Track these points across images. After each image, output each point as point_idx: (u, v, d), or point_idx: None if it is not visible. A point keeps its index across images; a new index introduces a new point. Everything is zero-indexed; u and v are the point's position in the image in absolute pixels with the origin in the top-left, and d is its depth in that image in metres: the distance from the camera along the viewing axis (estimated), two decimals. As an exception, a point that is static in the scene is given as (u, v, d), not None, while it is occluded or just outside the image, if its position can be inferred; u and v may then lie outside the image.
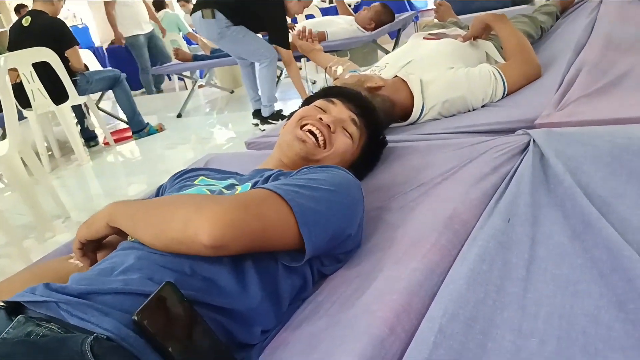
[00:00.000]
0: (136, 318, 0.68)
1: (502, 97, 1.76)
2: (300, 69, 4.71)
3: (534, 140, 1.16)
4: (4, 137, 3.95)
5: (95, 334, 0.65)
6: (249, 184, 1.02)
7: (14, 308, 0.74)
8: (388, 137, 1.51)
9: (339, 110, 1.18)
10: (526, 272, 0.81)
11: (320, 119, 1.13)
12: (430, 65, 1.82)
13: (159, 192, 1.23)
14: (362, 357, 0.67)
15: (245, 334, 0.80)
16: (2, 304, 0.75)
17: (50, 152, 4.42)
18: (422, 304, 0.79)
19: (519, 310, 0.74)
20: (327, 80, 2.37)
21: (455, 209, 0.99)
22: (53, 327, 0.67)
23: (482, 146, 1.23)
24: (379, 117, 1.28)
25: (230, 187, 1.04)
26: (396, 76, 1.78)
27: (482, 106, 1.73)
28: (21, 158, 2.59)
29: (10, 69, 3.30)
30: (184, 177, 1.18)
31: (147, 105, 5.87)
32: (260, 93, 3.84)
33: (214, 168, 1.24)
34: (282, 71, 4.68)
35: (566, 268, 0.81)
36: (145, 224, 0.83)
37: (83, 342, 0.63)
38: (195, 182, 1.10)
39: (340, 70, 2.18)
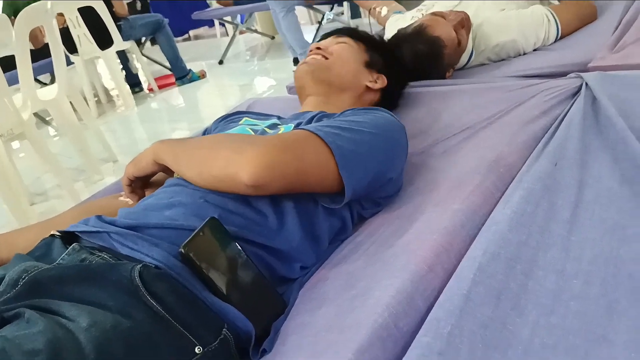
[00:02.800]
0: (183, 250, 0.70)
1: (555, 41, 1.68)
2: (342, 13, 4.61)
3: (586, 84, 1.12)
4: (52, 82, 4.06)
5: (144, 263, 0.68)
6: (292, 125, 1.02)
7: (69, 238, 0.78)
8: (432, 82, 1.49)
9: (331, 41, 1.25)
10: (572, 215, 0.79)
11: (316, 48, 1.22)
12: (480, 6, 1.75)
13: (205, 134, 1.24)
14: (400, 292, 0.68)
15: (286, 269, 0.82)
16: (57, 233, 0.79)
17: (96, 98, 4.52)
18: (463, 244, 0.79)
19: (563, 251, 0.73)
20: (370, 23, 2.31)
21: (501, 152, 0.97)
22: (105, 255, 0.71)
23: (531, 89, 1.19)
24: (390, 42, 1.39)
25: (273, 126, 1.05)
26: (442, 17, 1.72)
27: (534, 50, 1.66)
28: (70, 102, 2.67)
29: (57, 14, 3.34)
30: (227, 119, 1.20)
31: (189, 52, 5.88)
32: (290, 42, 3.79)
33: (257, 112, 1.25)
34: (323, 15, 4.58)
35: (614, 212, 0.79)
36: (189, 162, 0.84)
37: (133, 268, 0.66)
38: (239, 123, 1.11)
39: (384, 11, 2.12)
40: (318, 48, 1.20)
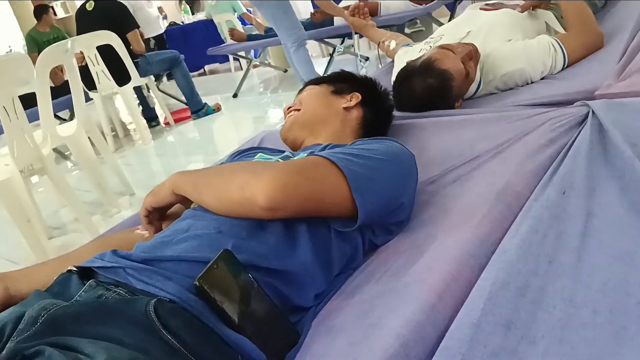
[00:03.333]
0: (197, 283, 0.72)
1: (562, 69, 1.71)
2: (352, 46, 4.69)
3: (592, 112, 1.13)
4: (71, 117, 4.16)
5: (158, 297, 0.70)
6: (305, 154, 1.05)
7: (85, 273, 0.80)
8: (441, 112, 1.51)
9: (297, 96, 1.38)
10: (580, 243, 0.80)
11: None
12: (487, 37, 1.78)
13: None
14: (412, 322, 0.69)
15: (298, 296, 0.83)
16: (74, 269, 0.81)
17: (114, 132, 4.62)
18: (471, 273, 0.80)
19: (572, 280, 0.74)
20: (379, 56, 2.36)
21: (509, 181, 0.98)
22: (121, 291, 0.73)
23: (539, 118, 1.21)
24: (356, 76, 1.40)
25: (286, 158, 1.08)
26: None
27: (542, 78, 1.68)
28: (88, 138, 2.73)
29: (75, 53, 3.46)
30: (242, 155, 1.23)
31: (205, 86, 6.00)
32: (302, 76, 3.86)
33: (270, 147, 1.31)
34: (334, 48, 4.67)
35: (623, 240, 0.79)
36: (208, 189, 0.88)
37: (147, 303, 0.68)
38: (254, 158, 1.14)
39: (393, 44, 2.17)
40: (288, 108, 1.31)
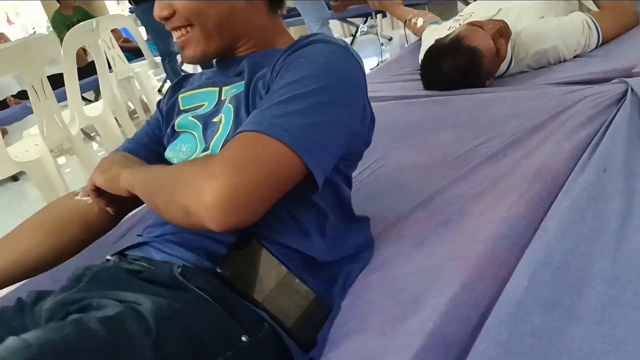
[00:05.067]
0: (219, 270, 0.72)
1: (596, 47, 1.67)
2: (374, 26, 4.64)
3: (631, 89, 1.10)
4: (96, 99, 4.20)
5: (182, 264, 0.73)
6: (231, 108, 0.83)
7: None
8: (472, 90, 1.49)
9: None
10: (621, 224, 0.79)
11: None
12: (519, 14, 1.74)
13: (158, 105, 1.01)
14: (451, 300, 0.69)
15: (310, 247, 0.80)
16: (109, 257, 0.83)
17: (136, 115, 4.65)
18: (507, 253, 0.79)
19: (612, 261, 0.73)
20: (406, 34, 2.32)
21: (546, 161, 0.97)
22: (143, 263, 0.76)
23: (575, 95, 1.18)
24: None
25: (213, 114, 0.86)
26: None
27: (575, 57, 1.64)
28: (115, 118, 2.76)
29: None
30: (172, 99, 0.97)
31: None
32: None
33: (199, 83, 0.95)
34: (357, 28, 4.61)
35: (665, 220, 0.78)
36: (157, 207, 0.74)
37: (172, 268, 0.72)
38: (177, 126, 0.91)
39: (420, 22, 2.13)
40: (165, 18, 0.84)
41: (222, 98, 0.86)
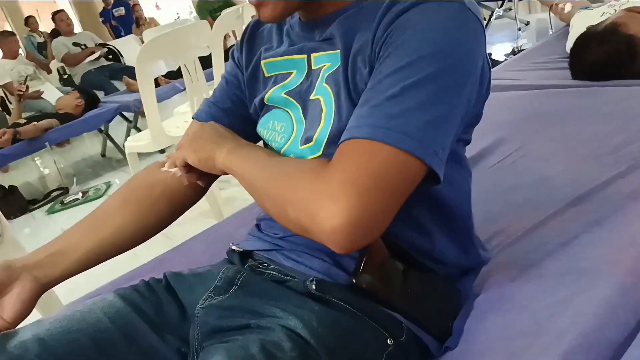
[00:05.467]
0: (355, 281, 0.70)
1: None
2: (510, 9, 4.42)
3: None
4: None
5: (312, 277, 0.71)
6: (330, 94, 0.72)
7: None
8: (627, 82, 1.39)
9: None
10: None
11: None
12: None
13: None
14: (606, 303, 0.66)
15: (431, 246, 0.76)
16: (236, 248, 0.85)
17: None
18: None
19: None
20: (551, 19, 2.20)
21: None
22: (274, 272, 0.77)
23: None
24: None
25: (308, 102, 0.75)
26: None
27: None
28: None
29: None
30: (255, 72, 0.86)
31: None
32: None
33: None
34: (492, 12, 4.42)
35: None
36: (265, 207, 0.68)
37: (304, 283, 0.71)
38: (268, 100, 0.82)
39: (569, 7, 2.01)
40: None
41: (313, 67, 0.74)
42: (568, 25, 1.99)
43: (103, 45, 5.42)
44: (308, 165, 0.64)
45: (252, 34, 0.86)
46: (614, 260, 0.75)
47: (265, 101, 0.81)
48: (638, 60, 1.47)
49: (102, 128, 4.12)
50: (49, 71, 5.72)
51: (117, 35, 7.14)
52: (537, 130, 1.32)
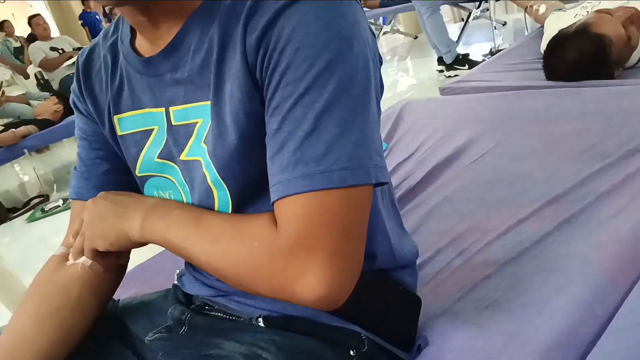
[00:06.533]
0: None
1: None
2: (487, 9, 4.48)
3: None
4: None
5: (258, 315, 0.67)
6: (207, 155, 0.60)
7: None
8: (599, 82, 1.42)
9: None
10: None
11: None
12: (656, -1, 1.62)
13: None
14: (580, 301, 0.68)
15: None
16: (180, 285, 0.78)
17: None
18: (642, 256, 0.76)
19: None
20: (526, 21, 2.23)
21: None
22: (219, 313, 0.72)
23: None
24: None
25: (189, 166, 0.64)
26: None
27: None
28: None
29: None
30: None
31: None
32: (435, 42, 3.76)
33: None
34: (469, 13, 4.47)
35: None
36: (211, 269, 0.58)
37: (250, 321, 0.67)
38: (140, 171, 0.70)
39: (543, 9, 2.05)
40: None
41: (174, 123, 0.62)
42: (543, 26, 2.03)
43: (81, 49, 5.35)
44: (253, 233, 0.55)
45: (86, 74, 0.71)
46: (588, 258, 0.76)
47: (137, 174, 0.69)
48: (609, 60, 1.50)
49: (81, 134, 4.06)
50: (27, 76, 5.64)
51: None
52: (514, 130, 1.34)
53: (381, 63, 0.63)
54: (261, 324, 0.65)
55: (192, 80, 0.58)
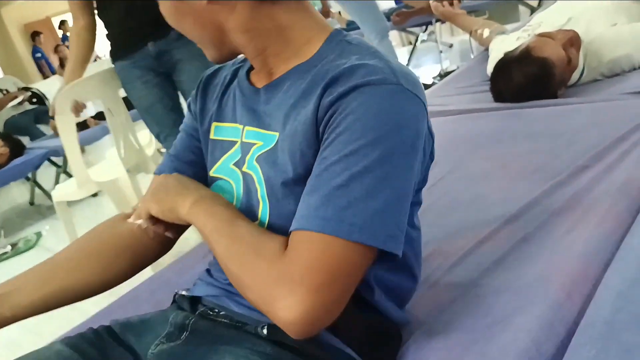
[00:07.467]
0: None
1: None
2: (433, 32, 4.63)
3: None
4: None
5: (264, 324, 0.70)
6: (262, 178, 0.73)
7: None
8: (545, 102, 1.47)
9: None
10: None
11: None
12: (590, 22, 1.71)
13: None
14: (540, 319, 0.70)
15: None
16: (184, 293, 0.84)
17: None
18: (598, 270, 0.78)
19: None
20: (471, 43, 2.32)
21: (631, 175, 0.95)
22: (224, 320, 0.76)
23: (657, 107, 1.16)
24: None
25: (247, 180, 0.76)
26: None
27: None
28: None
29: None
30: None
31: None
32: None
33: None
34: (417, 37, 4.61)
35: None
36: (226, 272, 0.68)
37: (256, 329, 0.71)
38: (215, 172, 0.82)
39: (486, 33, 2.13)
40: None
41: (244, 140, 0.75)
42: (487, 49, 2.10)
43: (26, 89, 5.23)
44: (266, 248, 0.63)
45: (207, 84, 0.86)
46: (545, 276, 0.79)
47: (212, 174, 0.82)
48: (553, 81, 1.57)
49: (30, 175, 3.94)
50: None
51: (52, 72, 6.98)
52: (467, 153, 1.38)
53: (432, 160, 0.74)
54: (265, 333, 0.69)
55: (271, 113, 0.72)
